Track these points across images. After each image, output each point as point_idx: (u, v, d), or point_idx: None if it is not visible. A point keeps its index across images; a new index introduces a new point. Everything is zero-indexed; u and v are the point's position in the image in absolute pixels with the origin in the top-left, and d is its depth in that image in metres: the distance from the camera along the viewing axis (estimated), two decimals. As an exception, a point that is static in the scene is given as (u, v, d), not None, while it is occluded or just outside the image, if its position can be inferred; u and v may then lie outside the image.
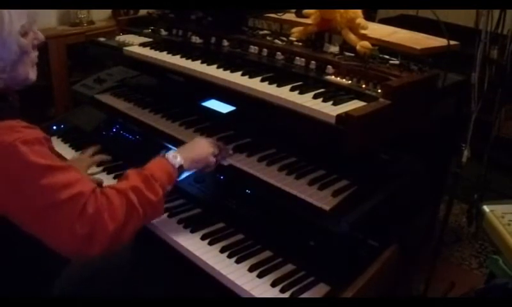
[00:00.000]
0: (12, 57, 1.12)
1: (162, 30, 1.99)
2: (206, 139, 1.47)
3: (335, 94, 1.35)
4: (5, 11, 1.08)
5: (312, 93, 1.35)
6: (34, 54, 1.20)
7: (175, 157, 1.34)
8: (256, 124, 1.63)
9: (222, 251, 1.36)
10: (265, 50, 1.64)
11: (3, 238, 1.14)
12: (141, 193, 1.20)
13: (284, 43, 1.71)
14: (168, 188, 1.30)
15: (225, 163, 1.49)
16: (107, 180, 1.64)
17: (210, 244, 1.39)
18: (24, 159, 1.03)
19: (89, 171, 1.68)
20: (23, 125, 1.08)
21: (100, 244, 1.10)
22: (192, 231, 1.44)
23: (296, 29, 1.74)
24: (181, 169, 1.34)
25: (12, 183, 1.04)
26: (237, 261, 1.33)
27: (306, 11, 1.71)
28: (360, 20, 1.53)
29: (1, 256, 1.17)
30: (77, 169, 1.19)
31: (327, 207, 1.25)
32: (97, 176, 1.67)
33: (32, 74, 1.20)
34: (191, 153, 1.39)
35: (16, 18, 1.10)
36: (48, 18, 2.96)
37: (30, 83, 1.20)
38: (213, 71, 1.54)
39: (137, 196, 1.19)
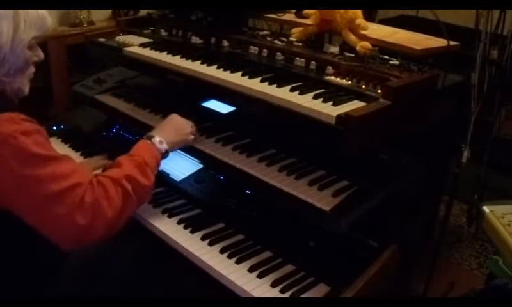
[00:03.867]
0: (18, 64, 1.16)
1: (162, 30, 1.99)
2: (182, 119, 1.53)
3: (335, 94, 1.35)
4: (22, 20, 1.13)
5: (312, 94, 1.35)
6: (32, 70, 1.24)
7: (160, 142, 1.40)
8: (256, 124, 1.63)
9: (222, 251, 1.36)
10: (265, 50, 1.64)
11: (1, 237, 1.15)
12: (135, 180, 1.24)
13: (284, 43, 1.71)
14: (155, 173, 1.35)
15: (198, 146, 1.56)
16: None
17: (210, 244, 1.39)
18: (25, 149, 1.05)
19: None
20: (22, 118, 1.09)
21: (99, 231, 1.14)
22: (192, 232, 1.44)
23: (295, 30, 1.74)
24: (165, 153, 1.41)
25: (13, 174, 1.05)
26: (237, 262, 1.33)
27: (306, 11, 1.71)
28: (360, 21, 1.53)
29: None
30: (72, 159, 1.21)
31: (327, 207, 1.25)
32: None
33: (27, 88, 1.23)
34: (173, 136, 1.46)
35: (29, 29, 1.15)
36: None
37: (22, 96, 1.23)
38: (213, 72, 1.54)
39: (132, 183, 1.23)
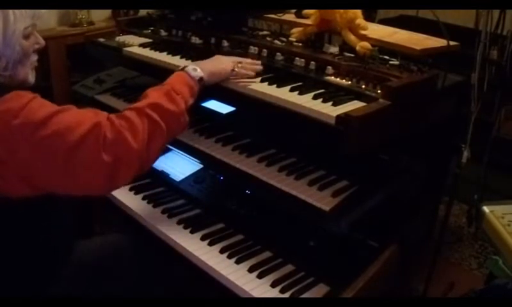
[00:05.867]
0: (14, 56, 1.14)
1: (162, 30, 1.99)
2: (226, 56, 1.48)
3: (334, 94, 1.35)
4: (10, 11, 1.11)
5: (312, 94, 1.35)
6: (34, 58, 1.22)
7: (194, 69, 1.34)
8: (256, 124, 1.63)
9: (222, 251, 1.36)
10: (265, 50, 1.64)
11: (3, 237, 1.15)
12: (162, 108, 1.20)
13: (284, 43, 1.71)
14: (190, 102, 1.30)
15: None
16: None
17: (210, 244, 1.39)
18: (35, 115, 1.04)
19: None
20: (22, 93, 1.08)
21: (129, 166, 1.12)
22: (192, 232, 1.44)
23: (295, 30, 1.74)
24: (201, 82, 1.35)
25: (32, 142, 1.04)
26: (237, 262, 1.33)
27: (305, 11, 1.71)
28: (360, 21, 1.53)
29: (1, 255, 1.17)
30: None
31: (327, 207, 1.25)
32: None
33: (32, 77, 1.22)
34: (210, 65, 1.40)
35: (20, 19, 1.13)
36: (48, 19, 2.96)
37: (28, 85, 1.21)
38: (213, 72, 1.54)
39: (158, 111, 1.19)
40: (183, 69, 1.35)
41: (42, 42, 1.23)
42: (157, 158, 1.21)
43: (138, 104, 1.20)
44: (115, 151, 1.09)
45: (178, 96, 1.25)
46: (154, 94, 1.23)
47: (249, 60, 1.50)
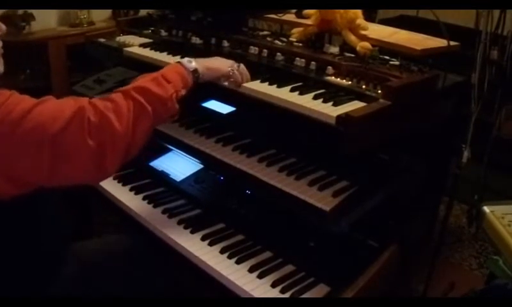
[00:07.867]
0: None
1: (162, 31, 1.99)
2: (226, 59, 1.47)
3: (335, 95, 1.35)
4: None
5: (312, 94, 1.35)
6: None
7: (189, 61, 1.34)
8: (256, 125, 1.63)
9: (222, 251, 1.36)
10: (265, 50, 1.64)
11: (2, 236, 1.15)
12: (148, 91, 1.19)
13: (284, 43, 1.71)
14: (182, 91, 1.28)
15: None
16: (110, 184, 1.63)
17: (210, 244, 1.39)
18: (14, 110, 1.02)
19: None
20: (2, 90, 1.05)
21: (115, 149, 1.10)
22: (192, 232, 1.44)
23: (296, 30, 1.74)
24: (196, 74, 1.33)
25: (15, 137, 1.02)
26: (238, 262, 1.33)
27: (306, 11, 1.71)
28: (360, 21, 1.53)
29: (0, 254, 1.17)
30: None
31: (327, 208, 1.25)
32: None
33: (0, 66, 1.16)
34: (207, 61, 1.40)
35: None
36: (48, 19, 2.96)
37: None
38: (213, 72, 1.54)
39: (144, 94, 1.17)
40: (179, 61, 1.35)
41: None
42: (143, 142, 1.19)
43: (124, 87, 1.20)
44: (100, 134, 1.07)
45: (167, 82, 1.23)
46: (142, 80, 1.23)
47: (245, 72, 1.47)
